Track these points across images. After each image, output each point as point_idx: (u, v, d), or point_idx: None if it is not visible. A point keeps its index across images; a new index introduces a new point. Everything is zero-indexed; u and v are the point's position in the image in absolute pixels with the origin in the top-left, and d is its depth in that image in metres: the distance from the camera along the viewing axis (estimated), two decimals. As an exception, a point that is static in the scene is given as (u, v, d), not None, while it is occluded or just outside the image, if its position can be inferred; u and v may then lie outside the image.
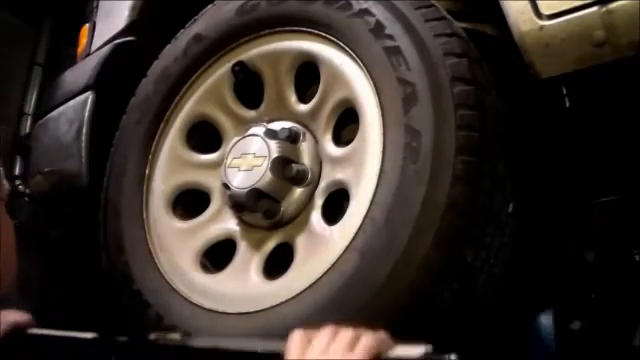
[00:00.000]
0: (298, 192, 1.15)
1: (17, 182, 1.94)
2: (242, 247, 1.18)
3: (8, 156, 2.02)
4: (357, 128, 1.09)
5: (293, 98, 1.22)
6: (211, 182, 1.27)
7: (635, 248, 1.35)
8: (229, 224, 1.22)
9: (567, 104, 1.15)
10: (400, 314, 0.94)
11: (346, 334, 0.70)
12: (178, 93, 1.33)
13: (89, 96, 1.58)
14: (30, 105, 2.12)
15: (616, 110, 1.15)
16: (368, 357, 0.68)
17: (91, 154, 1.51)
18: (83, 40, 1.75)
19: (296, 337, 0.73)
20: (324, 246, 1.06)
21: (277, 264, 1.12)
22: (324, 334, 0.71)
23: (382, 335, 0.72)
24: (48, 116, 1.72)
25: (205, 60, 1.31)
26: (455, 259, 0.96)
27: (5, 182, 0.94)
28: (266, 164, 1.14)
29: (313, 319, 0.93)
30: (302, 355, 0.70)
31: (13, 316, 1.07)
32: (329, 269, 1.00)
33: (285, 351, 0.72)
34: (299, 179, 1.14)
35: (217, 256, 1.24)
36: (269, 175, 1.14)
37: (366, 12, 1.08)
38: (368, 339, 0.70)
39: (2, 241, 0.87)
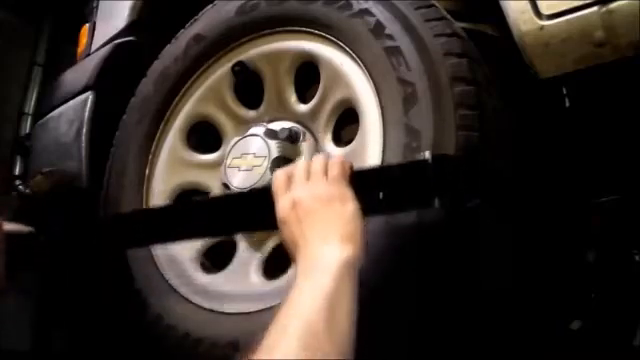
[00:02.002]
0: (298, 192, 1.14)
1: (17, 182, 1.94)
2: (242, 247, 1.18)
3: (8, 156, 2.02)
4: (357, 128, 1.09)
5: (293, 98, 1.22)
6: (211, 182, 1.27)
7: (635, 248, 1.35)
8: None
9: (567, 104, 1.15)
10: (400, 314, 0.94)
11: (317, 161, 0.82)
12: (178, 93, 1.33)
13: (89, 96, 1.58)
14: (30, 105, 2.12)
15: (616, 110, 1.15)
16: (342, 174, 0.79)
17: (91, 154, 1.51)
18: (83, 40, 1.75)
19: (278, 176, 0.82)
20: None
21: (277, 264, 1.12)
22: (300, 167, 0.82)
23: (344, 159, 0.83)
24: (48, 116, 1.72)
25: (205, 60, 1.31)
26: (455, 259, 0.96)
27: None
28: (266, 164, 1.14)
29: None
30: (288, 190, 0.79)
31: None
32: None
33: (273, 192, 0.81)
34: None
35: (217, 256, 1.24)
36: (269, 175, 1.14)
37: (366, 12, 1.08)
38: (337, 164, 0.81)
39: None
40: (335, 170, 0.81)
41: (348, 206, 0.76)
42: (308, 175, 0.81)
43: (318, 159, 0.83)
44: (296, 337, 0.62)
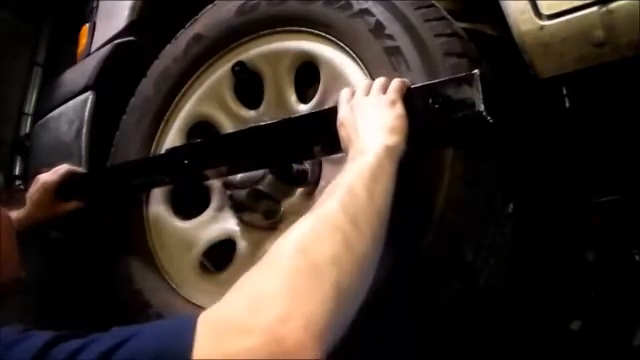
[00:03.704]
0: (298, 192, 1.15)
1: (17, 182, 1.94)
2: (242, 247, 1.18)
3: (8, 156, 2.01)
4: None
5: (293, 98, 1.22)
6: (211, 182, 1.27)
7: (635, 248, 1.35)
8: (229, 224, 1.22)
9: (567, 104, 1.15)
10: (400, 314, 0.94)
11: (378, 80, 0.94)
12: (178, 93, 1.33)
13: (89, 96, 1.58)
14: (30, 105, 2.11)
15: (616, 110, 1.15)
16: (397, 89, 0.90)
17: (91, 154, 1.51)
18: (83, 40, 1.75)
19: (343, 91, 0.95)
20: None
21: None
22: (361, 85, 0.94)
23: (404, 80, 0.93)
24: (48, 116, 1.73)
25: (205, 60, 1.31)
26: (455, 259, 0.96)
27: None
28: (266, 164, 1.14)
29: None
30: (349, 102, 0.92)
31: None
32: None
33: (337, 105, 0.93)
34: (299, 179, 1.14)
35: (217, 256, 1.24)
36: (269, 175, 1.14)
37: (366, 12, 1.08)
38: (396, 81, 0.92)
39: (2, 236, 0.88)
40: (391, 85, 0.92)
41: (396, 108, 0.88)
42: (369, 90, 0.92)
43: (378, 79, 0.94)
44: (338, 198, 0.71)
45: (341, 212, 0.68)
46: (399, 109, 0.88)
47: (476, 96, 0.85)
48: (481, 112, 0.85)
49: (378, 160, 0.79)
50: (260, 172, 1.15)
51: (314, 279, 0.59)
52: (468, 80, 0.86)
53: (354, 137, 0.86)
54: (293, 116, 1.07)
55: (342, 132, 0.89)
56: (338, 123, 0.90)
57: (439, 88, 0.89)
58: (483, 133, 0.93)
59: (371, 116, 0.87)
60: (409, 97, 0.91)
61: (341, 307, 0.60)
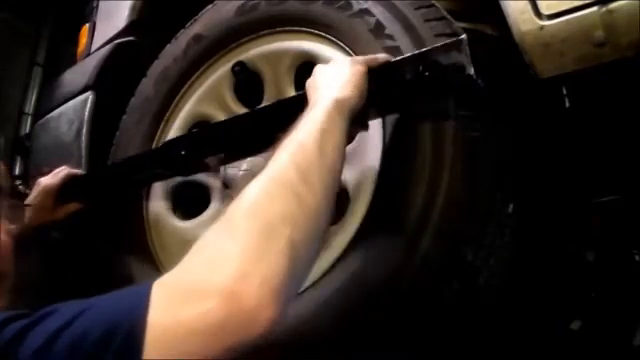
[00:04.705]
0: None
1: (17, 182, 1.94)
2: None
3: (8, 156, 2.02)
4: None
5: (293, 98, 1.22)
6: (211, 182, 1.27)
7: (635, 248, 1.35)
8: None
9: (567, 104, 1.15)
10: (400, 314, 0.94)
11: (348, 59, 0.93)
12: (178, 93, 1.33)
13: (89, 96, 1.58)
14: (30, 105, 2.12)
15: (616, 110, 1.15)
16: (367, 58, 0.92)
17: (91, 154, 1.51)
18: (83, 40, 1.75)
19: (315, 71, 0.92)
20: (324, 246, 1.05)
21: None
22: (333, 62, 0.93)
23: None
24: (48, 116, 1.73)
25: (205, 60, 1.31)
26: (455, 259, 0.96)
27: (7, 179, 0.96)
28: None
29: (313, 319, 0.93)
30: (318, 76, 0.89)
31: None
32: (329, 269, 1.00)
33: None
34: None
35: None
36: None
37: (366, 12, 1.08)
38: (364, 57, 0.93)
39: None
40: (359, 57, 0.93)
41: (357, 66, 0.88)
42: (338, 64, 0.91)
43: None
44: (289, 153, 0.71)
45: (292, 169, 0.68)
46: (359, 67, 0.88)
47: (465, 60, 0.87)
48: (471, 75, 0.86)
49: (327, 114, 0.78)
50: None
51: (268, 238, 0.59)
52: (457, 45, 0.88)
53: (310, 95, 0.87)
54: (287, 97, 1.07)
55: (309, 98, 0.89)
56: (306, 88, 0.90)
57: (429, 55, 0.90)
58: (477, 100, 0.95)
59: (329, 74, 0.88)
60: (397, 67, 0.92)
61: (297, 263, 0.60)
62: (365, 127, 0.95)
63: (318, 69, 0.92)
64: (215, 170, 1.25)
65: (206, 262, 0.57)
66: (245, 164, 1.18)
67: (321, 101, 0.81)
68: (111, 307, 0.56)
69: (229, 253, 0.57)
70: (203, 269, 0.56)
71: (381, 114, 0.99)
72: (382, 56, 0.96)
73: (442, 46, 0.90)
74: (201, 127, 1.27)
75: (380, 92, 0.91)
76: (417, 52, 0.94)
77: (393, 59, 0.95)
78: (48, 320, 0.56)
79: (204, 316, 0.52)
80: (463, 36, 0.88)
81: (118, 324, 0.53)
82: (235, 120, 1.16)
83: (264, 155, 1.13)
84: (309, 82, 0.90)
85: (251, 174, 1.16)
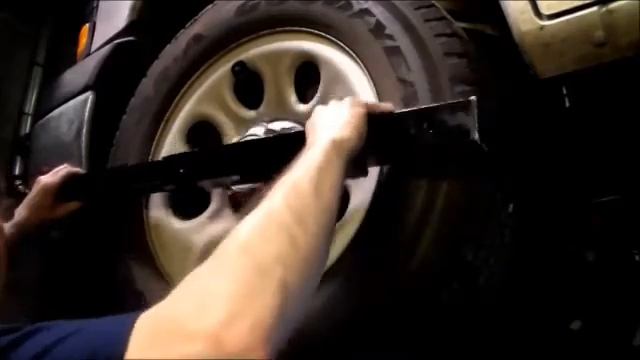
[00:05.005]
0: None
1: (17, 182, 1.94)
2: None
3: (8, 156, 2.01)
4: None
5: (293, 98, 1.22)
6: (211, 182, 1.27)
7: (635, 248, 1.35)
8: (229, 224, 1.22)
9: (567, 104, 1.15)
10: (400, 314, 0.94)
11: (349, 100, 0.91)
12: (178, 93, 1.33)
13: (89, 96, 1.58)
14: (30, 105, 2.11)
15: (616, 110, 1.15)
16: (368, 104, 0.91)
17: (91, 154, 1.51)
18: (83, 40, 1.75)
19: (315, 111, 0.92)
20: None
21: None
22: (333, 103, 0.92)
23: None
24: (48, 116, 1.73)
25: (205, 60, 1.31)
26: (455, 259, 0.96)
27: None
28: (266, 164, 1.14)
29: (313, 320, 0.93)
30: (318, 117, 0.89)
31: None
32: (329, 269, 1.00)
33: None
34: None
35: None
36: (270, 177, 1.14)
37: (366, 12, 1.08)
38: (365, 101, 0.93)
39: None
40: (361, 100, 0.93)
41: (356, 108, 0.88)
42: (337, 107, 0.91)
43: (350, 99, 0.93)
44: (284, 192, 0.70)
45: (286, 209, 0.67)
46: (359, 109, 0.87)
47: (471, 124, 0.84)
48: (475, 140, 0.84)
49: (325, 155, 0.77)
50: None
51: (259, 279, 0.58)
52: (464, 107, 0.85)
53: (309, 134, 0.86)
54: (290, 132, 1.05)
55: (306, 134, 0.88)
56: (305, 126, 0.90)
57: (435, 113, 0.88)
58: (477, 160, 0.92)
59: (328, 115, 0.88)
60: (401, 120, 0.90)
61: (288, 307, 0.58)
62: (364, 173, 0.93)
63: (318, 110, 0.92)
64: (211, 190, 1.24)
65: (195, 300, 0.55)
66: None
67: (319, 141, 0.80)
68: (95, 334, 0.55)
69: (219, 293, 0.55)
70: (191, 307, 0.54)
71: (380, 163, 0.96)
72: (386, 105, 0.95)
73: (449, 105, 0.88)
74: (204, 147, 1.27)
75: (380, 142, 0.89)
76: (423, 107, 0.92)
77: (397, 111, 0.93)
78: (37, 337, 0.55)
79: (188, 358, 0.50)
80: (472, 98, 0.86)
81: (99, 352, 0.52)
82: (235, 147, 1.16)
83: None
84: (309, 122, 0.90)
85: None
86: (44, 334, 0.56)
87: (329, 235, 0.72)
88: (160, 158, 1.29)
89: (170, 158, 1.21)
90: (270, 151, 1.03)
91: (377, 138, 0.88)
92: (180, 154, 1.25)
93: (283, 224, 0.65)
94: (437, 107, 0.89)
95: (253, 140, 1.13)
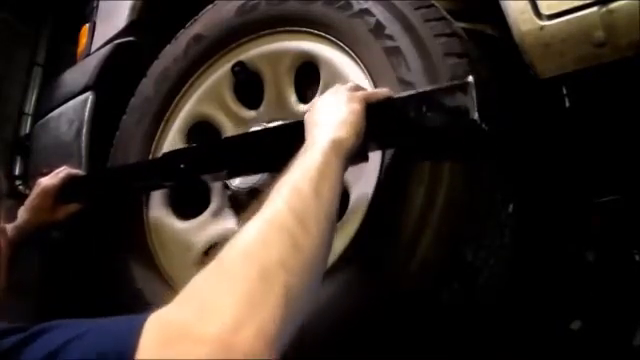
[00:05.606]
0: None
1: (17, 182, 1.94)
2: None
3: (8, 156, 2.01)
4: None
5: (293, 98, 1.22)
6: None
7: (635, 248, 1.35)
8: (229, 224, 1.22)
9: (567, 104, 1.15)
10: (400, 314, 0.94)
11: (350, 83, 0.94)
12: (178, 93, 1.33)
13: (89, 96, 1.58)
14: (30, 105, 2.12)
15: (616, 110, 1.15)
16: (366, 94, 0.91)
17: (91, 154, 1.51)
18: (83, 40, 1.75)
19: (314, 106, 0.91)
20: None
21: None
22: (330, 91, 0.93)
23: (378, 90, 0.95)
24: (48, 116, 1.73)
25: (205, 60, 1.31)
26: (455, 259, 0.96)
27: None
28: (266, 164, 1.14)
29: (312, 320, 0.93)
30: (316, 114, 0.88)
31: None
32: (329, 269, 1.00)
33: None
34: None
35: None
36: (268, 175, 1.14)
37: (366, 12, 1.08)
38: (365, 90, 0.93)
39: None
40: (360, 89, 0.93)
41: (353, 104, 0.87)
42: (334, 96, 0.91)
43: (347, 85, 0.94)
44: (284, 196, 0.69)
45: (287, 212, 0.67)
46: (356, 105, 0.87)
47: (470, 104, 0.84)
48: (475, 120, 0.84)
49: (324, 155, 0.77)
50: (260, 172, 1.15)
51: (263, 284, 0.58)
52: (462, 87, 0.85)
53: (308, 133, 0.86)
54: (290, 121, 1.07)
55: (305, 128, 0.89)
56: (305, 119, 0.90)
57: (433, 95, 0.88)
58: (478, 141, 0.92)
59: (325, 111, 0.87)
60: (400, 104, 0.90)
61: (291, 310, 0.59)
62: (365, 159, 0.93)
63: (317, 104, 0.91)
64: (212, 184, 1.25)
65: (200, 307, 0.55)
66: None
67: (318, 142, 0.79)
68: (105, 335, 0.55)
69: (223, 299, 0.55)
70: (198, 314, 0.54)
71: (381, 148, 0.96)
72: (383, 91, 0.95)
73: (447, 87, 0.88)
74: (203, 141, 1.27)
75: (380, 127, 0.89)
76: (421, 91, 0.92)
77: (395, 96, 0.93)
78: (45, 337, 0.55)
79: (198, 359, 0.51)
80: (470, 78, 0.86)
81: (109, 353, 0.52)
82: (235, 139, 1.16)
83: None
84: (308, 115, 0.90)
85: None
86: (53, 334, 0.56)
87: (330, 236, 0.72)
88: (160, 154, 1.29)
89: (170, 154, 1.21)
90: (270, 142, 1.04)
91: (377, 124, 0.88)
92: (180, 149, 1.25)
93: (284, 227, 0.65)
94: (436, 90, 0.90)
95: (253, 132, 1.12)
